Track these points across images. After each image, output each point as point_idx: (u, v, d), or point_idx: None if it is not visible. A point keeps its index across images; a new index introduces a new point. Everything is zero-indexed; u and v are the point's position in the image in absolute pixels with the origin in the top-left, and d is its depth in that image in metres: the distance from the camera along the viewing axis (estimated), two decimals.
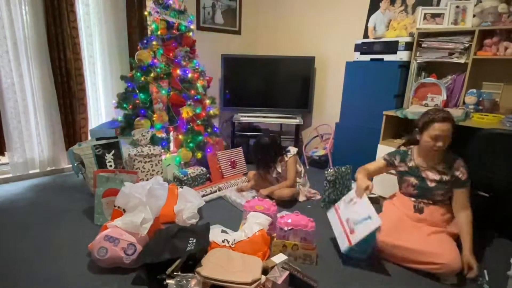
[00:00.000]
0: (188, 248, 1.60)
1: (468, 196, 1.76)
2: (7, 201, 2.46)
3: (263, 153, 2.59)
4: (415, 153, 1.89)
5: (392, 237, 1.74)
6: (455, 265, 1.59)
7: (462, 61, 2.38)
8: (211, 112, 3.12)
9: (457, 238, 1.78)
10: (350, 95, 3.02)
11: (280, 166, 2.62)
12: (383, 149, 2.59)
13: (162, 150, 2.75)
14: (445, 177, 1.77)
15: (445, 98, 2.51)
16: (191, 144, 2.94)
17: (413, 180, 1.86)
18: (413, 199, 1.89)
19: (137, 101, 2.81)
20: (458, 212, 1.77)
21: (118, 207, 1.87)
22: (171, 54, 2.85)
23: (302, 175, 2.69)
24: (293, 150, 2.62)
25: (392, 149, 2.48)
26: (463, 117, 2.24)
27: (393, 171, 2.04)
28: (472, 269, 1.59)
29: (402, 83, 2.72)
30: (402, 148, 1.98)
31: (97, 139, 2.50)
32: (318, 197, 2.70)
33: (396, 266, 1.77)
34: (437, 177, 1.79)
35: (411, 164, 1.88)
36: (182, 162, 2.94)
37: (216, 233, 1.93)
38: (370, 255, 1.80)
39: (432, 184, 1.80)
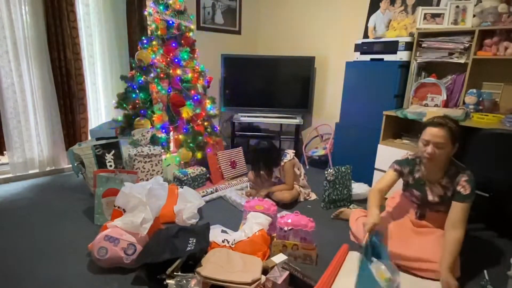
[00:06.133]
0: (188, 248, 1.60)
1: (465, 214, 1.60)
2: (7, 201, 2.46)
3: (263, 159, 2.54)
4: (423, 163, 1.77)
5: (393, 244, 1.73)
6: (455, 272, 1.58)
7: (462, 61, 2.38)
8: (211, 112, 3.13)
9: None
10: (350, 95, 3.02)
11: (277, 170, 2.60)
12: (383, 149, 2.59)
13: (162, 150, 2.75)
14: (448, 193, 1.68)
15: (445, 98, 2.51)
16: (191, 144, 2.94)
17: (417, 193, 1.79)
18: (415, 205, 1.86)
19: (137, 101, 2.81)
20: (448, 229, 1.62)
21: (118, 207, 1.87)
22: (171, 54, 2.85)
23: (301, 177, 2.68)
24: (290, 154, 2.56)
25: (392, 149, 2.51)
26: (463, 117, 2.24)
27: None
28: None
29: (402, 83, 2.72)
30: (410, 156, 1.84)
31: (97, 139, 2.50)
32: (314, 197, 2.70)
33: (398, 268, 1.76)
34: (441, 192, 1.70)
35: (418, 175, 1.79)
36: (182, 162, 2.94)
37: (216, 233, 1.93)
38: None
39: (435, 200, 1.73)
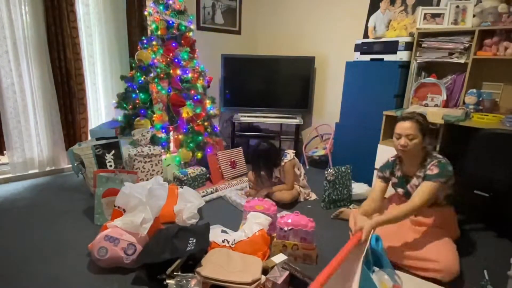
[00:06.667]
0: (188, 248, 1.60)
1: (426, 192, 1.62)
2: (7, 201, 2.46)
3: (263, 159, 2.53)
4: (401, 159, 1.87)
5: (391, 242, 1.73)
6: (453, 269, 1.58)
7: (462, 61, 2.38)
8: (211, 112, 3.13)
9: (456, 240, 1.77)
10: (350, 95, 3.02)
11: (277, 170, 2.60)
12: (383, 149, 2.59)
13: (162, 150, 2.75)
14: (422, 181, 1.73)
15: (445, 98, 2.51)
16: (191, 144, 2.94)
17: (400, 190, 1.86)
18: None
19: (137, 101, 2.81)
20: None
21: (118, 207, 1.87)
22: (171, 54, 2.85)
23: (301, 177, 2.68)
24: (290, 154, 2.56)
25: (392, 149, 2.50)
26: (463, 117, 2.24)
27: None
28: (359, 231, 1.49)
29: (402, 83, 2.72)
30: (391, 158, 1.94)
31: (97, 139, 2.50)
32: (314, 197, 2.70)
33: (397, 267, 1.76)
34: (417, 183, 1.75)
35: (398, 173, 1.87)
36: (182, 162, 2.94)
37: (216, 233, 1.93)
38: None
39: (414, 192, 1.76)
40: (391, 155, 1.96)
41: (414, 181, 1.77)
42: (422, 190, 1.65)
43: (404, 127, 1.72)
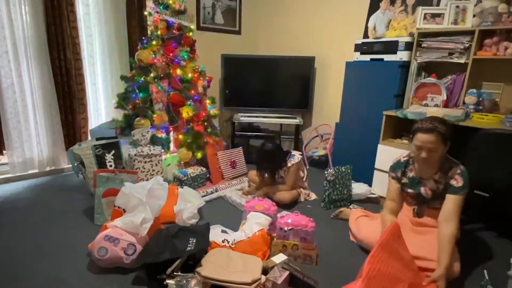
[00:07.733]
0: (188, 248, 1.61)
1: (458, 207, 1.62)
2: (7, 201, 2.46)
3: (269, 160, 2.53)
4: (417, 162, 1.81)
5: None
6: (453, 269, 1.58)
7: (462, 61, 2.38)
8: (211, 112, 3.13)
9: (457, 241, 1.77)
10: (350, 95, 3.02)
11: (282, 171, 2.60)
12: (383, 149, 2.59)
13: (162, 150, 2.75)
14: (440, 187, 1.71)
15: (445, 98, 2.51)
16: (191, 144, 2.94)
17: (411, 191, 1.82)
18: (412, 204, 1.88)
19: (137, 101, 2.81)
20: (441, 223, 1.63)
21: (118, 207, 1.87)
22: (171, 54, 2.85)
23: (304, 179, 2.68)
24: (297, 156, 2.56)
25: (392, 149, 2.51)
26: (463, 117, 2.24)
27: None
28: None
29: (402, 83, 2.72)
30: (403, 157, 1.88)
31: (97, 139, 2.51)
32: (314, 197, 2.70)
33: None
34: (434, 187, 1.73)
35: (411, 174, 1.82)
36: (182, 162, 2.94)
37: (216, 233, 1.93)
38: None
39: (429, 196, 1.75)
40: (396, 155, 1.92)
41: (431, 185, 1.73)
42: (455, 206, 1.61)
43: (425, 140, 1.62)
